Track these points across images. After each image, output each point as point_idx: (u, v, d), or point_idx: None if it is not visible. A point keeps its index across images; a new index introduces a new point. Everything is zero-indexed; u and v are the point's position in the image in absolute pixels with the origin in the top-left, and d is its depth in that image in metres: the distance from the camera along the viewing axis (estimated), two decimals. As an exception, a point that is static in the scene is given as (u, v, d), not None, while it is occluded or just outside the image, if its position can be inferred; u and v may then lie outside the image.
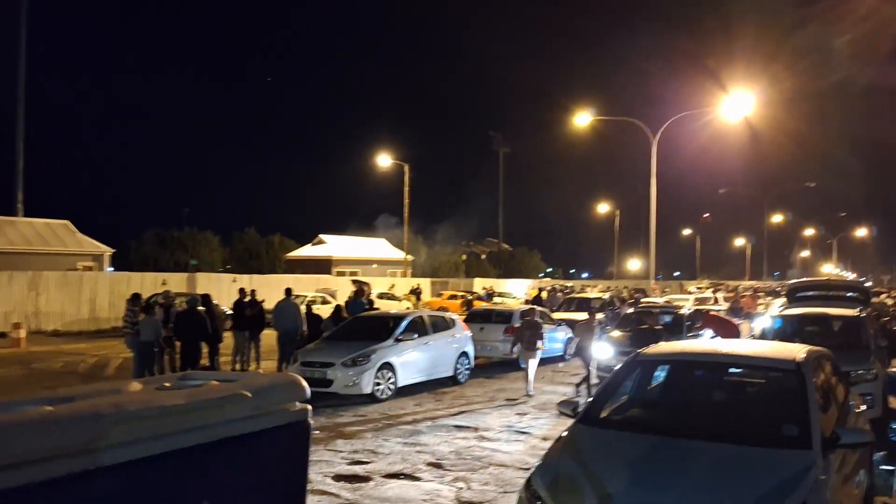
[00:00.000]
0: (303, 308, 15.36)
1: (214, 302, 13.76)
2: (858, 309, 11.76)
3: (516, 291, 48.43)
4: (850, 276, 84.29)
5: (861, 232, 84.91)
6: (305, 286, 32.02)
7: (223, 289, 27.47)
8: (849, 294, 13.49)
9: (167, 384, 2.80)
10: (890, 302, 25.04)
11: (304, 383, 2.93)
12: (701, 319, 15.03)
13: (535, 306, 12.48)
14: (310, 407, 2.89)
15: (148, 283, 26.92)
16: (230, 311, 14.58)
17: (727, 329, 14.26)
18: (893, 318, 16.91)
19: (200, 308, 13.11)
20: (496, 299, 39.57)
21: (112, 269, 34.89)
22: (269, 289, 24.68)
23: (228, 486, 2.49)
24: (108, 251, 34.27)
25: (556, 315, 19.92)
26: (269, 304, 14.99)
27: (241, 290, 15.19)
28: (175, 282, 28.59)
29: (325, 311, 16.25)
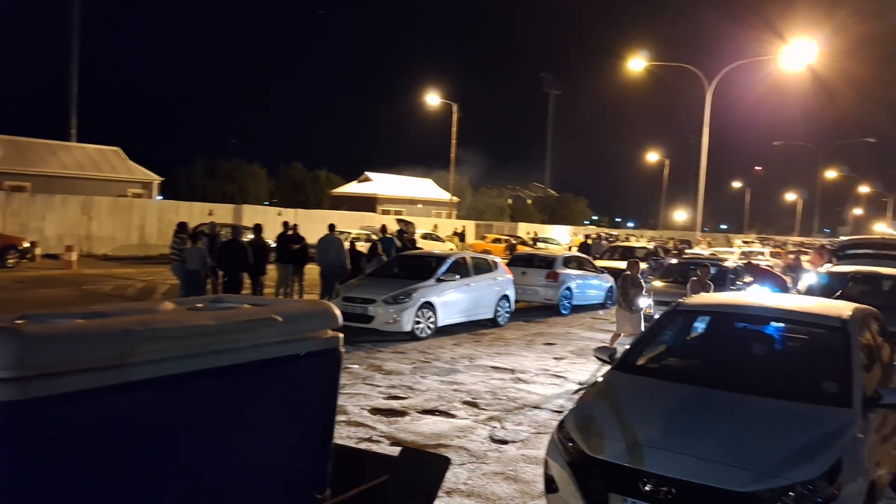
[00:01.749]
0: (346, 245, 15.57)
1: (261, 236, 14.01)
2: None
3: (561, 238, 48.14)
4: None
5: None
6: (350, 223, 32.36)
7: (268, 221, 27.80)
8: None
9: (199, 305, 2.84)
10: None
11: (337, 311, 2.92)
12: (750, 272, 14.73)
13: (638, 260, 12.10)
14: (342, 335, 2.91)
15: (196, 213, 27.52)
16: (274, 244, 14.81)
17: (775, 283, 13.96)
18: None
19: (249, 238, 13.38)
20: (539, 245, 39.41)
21: (161, 197, 35.75)
22: (314, 223, 25.01)
23: (257, 409, 2.56)
24: (157, 179, 35.06)
25: (600, 263, 19.81)
26: (312, 239, 15.20)
27: (285, 224, 15.43)
28: (222, 212, 29.19)
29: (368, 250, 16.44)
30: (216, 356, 2.36)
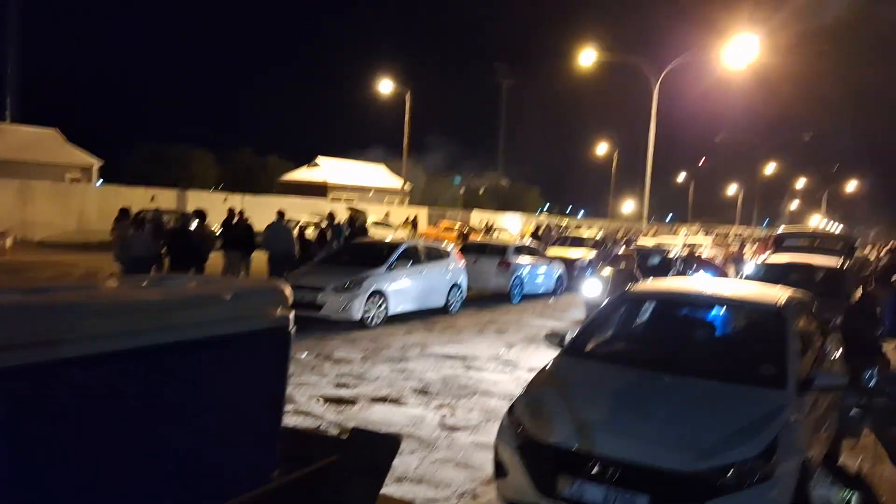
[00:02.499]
0: (295, 232, 15.37)
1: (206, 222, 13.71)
2: (841, 260, 11.94)
3: (512, 226, 48.53)
4: (838, 227, 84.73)
5: (852, 185, 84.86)
6: (299, 210, 31.96)
7: (215, 208, 27.26)
8: (833, 244, 13.65)
9: (145, 282, 2.78)
10: (873, 256, 25.27)
11: (287, 289, 2.89)
12: (694, 262, 15.19)
13: (632, 253, 12.24)
14: (292, 314, 2.88)
15: (138, 198, 26.80)
16: (219, 231, 14.52)
17: (715, 272, 14.45)
18: (874, 271, 17.13)
19: (192, 222, 13.10)
20: (493, 232, 39.66)
21: (101, 181, 34.65)
22: (262, 210, 24.63)
23: (204, 386, 2.52)
24: (97, 163, 33.95)
25: (550, 251, 20.08)
26: (261, 226, 14.97)
27: (230, 210, 15.13)
28: (165, 198, 28.48)
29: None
30: (163, 332, 2.31)
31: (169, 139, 53.08)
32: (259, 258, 14.59)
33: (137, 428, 2.29)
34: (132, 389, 2.26)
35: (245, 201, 29.41)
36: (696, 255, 17.23)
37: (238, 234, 14.12)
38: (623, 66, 31.45)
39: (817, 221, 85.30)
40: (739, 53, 27.13)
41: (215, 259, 13.80)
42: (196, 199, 28.72)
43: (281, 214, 14.70)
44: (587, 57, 30.66)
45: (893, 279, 11.74)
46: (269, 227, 14.28)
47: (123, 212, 14.13)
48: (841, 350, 6.34)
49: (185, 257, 12.21)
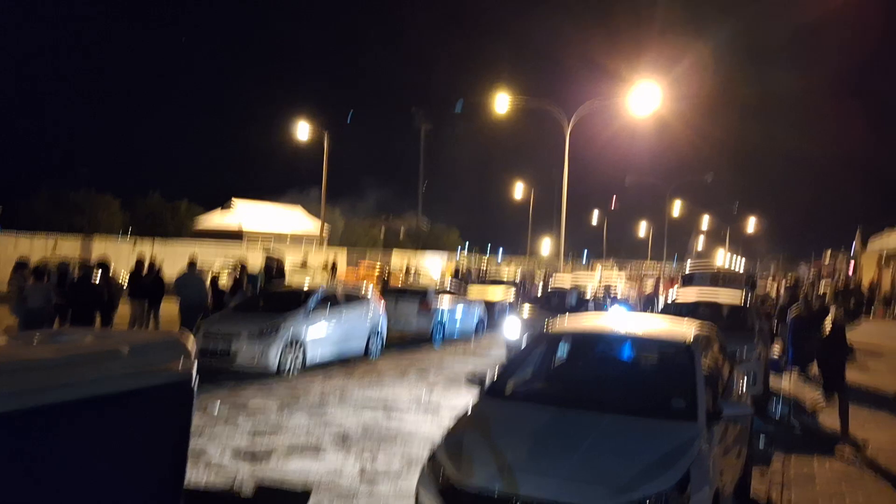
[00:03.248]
0: (209, 279, 14.90)
1: (111, 272, 13.12)
2: (745, 295, 12.63)
3: (433, 267, 48.70)
4: (741, 262, 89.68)
5: (751, 223, 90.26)
6: (214, 255, 31.06)
7: (122, 255, 26.31)
8: (736, 280, 14.42)
9: (37, 339, 2.63)
10: (773, 289, 26.78)
11: (191, 341, 2.78)
12: (610, 298, 15.67)
13: (608, 285, 12.38)
14: (195, 368, 2.76)
15: (38, 246, 25.47)
16: (126, 281, 13.92)
17: (630, 308, 14.96)
18: (775, 304, 18.12)
19: (96, 273, 12.54)
20: (412, 275, 39.66)
21: None
22: (174, 257, 23.84)
23: (97, 448, 2.37)
24: (-6, 211, 32.09)
25: (471, 293, 20.22)
26: (172, 273, 14.44)
27: (139, 259, 14.55)
28: (68, 246, 27.15)
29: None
30: (54, 391, 2.18)
31: (71, 184, 50.94)
32: (171, 307, 14.04)
33: (25, 494, 2.12)
34: (20, 453, 2.10)
35: (155, 247, 28.34)
36: (612, 293, 17.76)
37: (144, 284, 13.56)
38: (538, 111, 32.44)
39: (722, 257, 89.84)
40: (644, 100, 28.66)
41: (123, 310, 13.18)
42: (102, 247, 27.49)
43: (193, 263, 14.26)
44: (502, 102, 31.62)
45: (791, 314, 12.44)
46: (181, 275, 13.80)
47: (21, 263, 13.39)
48: (745, 380, 6.61)
49: (88, 310, 11.62)
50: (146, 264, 14.19)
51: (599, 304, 15.40)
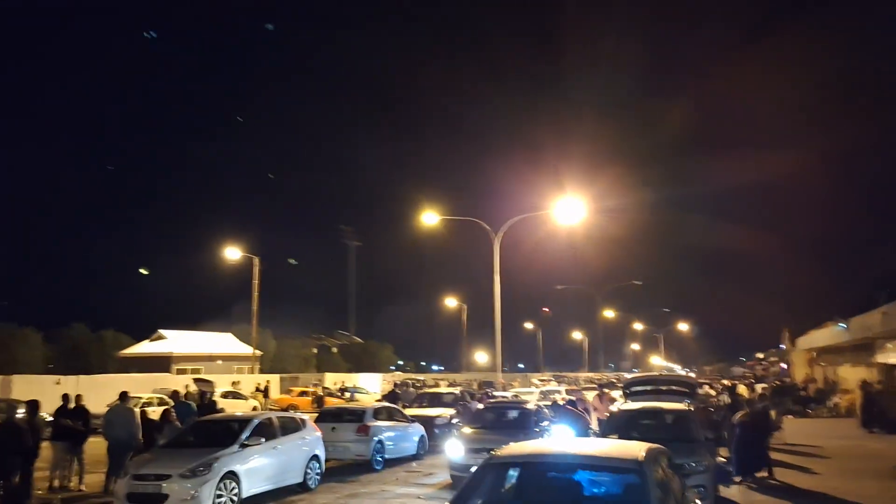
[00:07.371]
0: (138, 412, 14.14)
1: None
2: (687, 402, 12.79)
3: (369, 385, 47.66)
4: (677, 367, 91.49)
5: (683, 326, 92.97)
6: (142, 386, 29.57)
7: (45, 392, 24.51)
8: (678, 388, 14.67)
9: None
10: (713, 393, 27.26)
11: None
12: (557, 413, 15.63)
13: (577, 397, 12.14)
14: None
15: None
16: (50, 419, 13.04)
17: (576, 421, 14.85)
18: (717, 408, 18.44)
19: (20, 416, 11.70)
20: (347, 395, 38.67)
21: None
22: (100, 391, 22.60)
23: None
24: None
25: (409, 411, 19.74)
26: (99, 408, 13.65)
27: (65, 396, 13.70)
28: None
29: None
30: None
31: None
32: (99, 445, 13.16)
33: None
34: None
35: (80, 383, 26.80)
36: (560, 403, 17.65)
37: (67, 425, 12.70)
38: (467, 225, 33.28)
39: (658, 362, 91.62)
40: (570, 212, 29.94)
41: (46, 452, 12.27)
42: (22, 384, 25.87)
43: (124, 396, 13.60)
44: (430, 217, 32.41)
45: (736, 418, 12.64)
46: (108, 410, 13.09)
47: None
48: (696, 494, 6.63)
49: (8, 455, 10.75)
50: (72, 402, 13.37)
51: (545, 418, 15.28)
